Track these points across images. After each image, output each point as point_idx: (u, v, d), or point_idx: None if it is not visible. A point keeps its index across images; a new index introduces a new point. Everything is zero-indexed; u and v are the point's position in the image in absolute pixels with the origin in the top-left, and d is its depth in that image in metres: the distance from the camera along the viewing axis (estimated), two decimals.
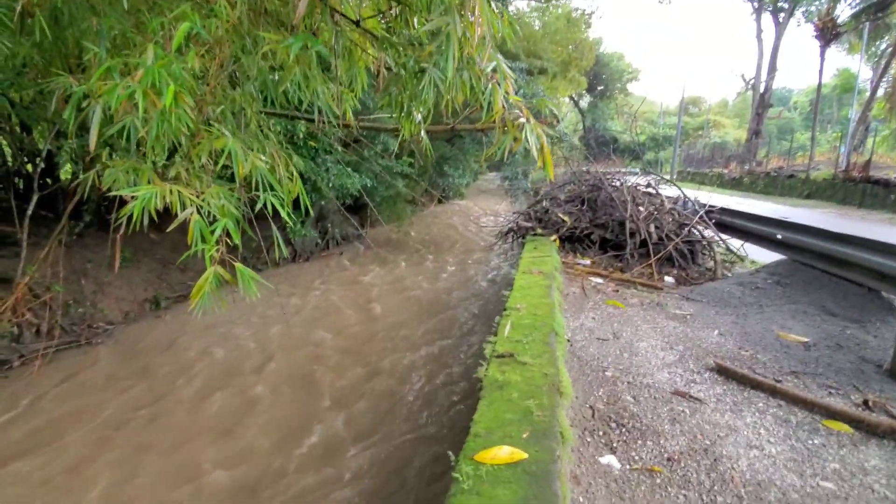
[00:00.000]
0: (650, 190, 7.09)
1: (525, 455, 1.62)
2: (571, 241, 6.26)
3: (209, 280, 2.26)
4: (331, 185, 9.28)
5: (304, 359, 5.38)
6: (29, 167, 6.62)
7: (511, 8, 19.72)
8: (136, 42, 2.72)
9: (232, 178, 2.50)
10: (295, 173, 2.87)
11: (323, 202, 10.27)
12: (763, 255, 6.30)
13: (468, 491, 1.46)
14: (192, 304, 2.18)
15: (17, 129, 6.27)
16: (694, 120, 50.60)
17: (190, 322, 6.57)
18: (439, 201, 20.28)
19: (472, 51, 2.48)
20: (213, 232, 2.23)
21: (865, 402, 2.83)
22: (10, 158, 6.20)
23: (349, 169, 9.81)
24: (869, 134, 21.38)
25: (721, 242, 6.39)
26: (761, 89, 26.31)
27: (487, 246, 11.12)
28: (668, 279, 5.44)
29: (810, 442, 2.42)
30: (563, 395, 2.05)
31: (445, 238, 13.05)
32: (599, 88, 42.27)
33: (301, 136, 8.41)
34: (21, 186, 6.81)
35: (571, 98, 39.94)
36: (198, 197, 2.32)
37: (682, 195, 7.11)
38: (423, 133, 3.02)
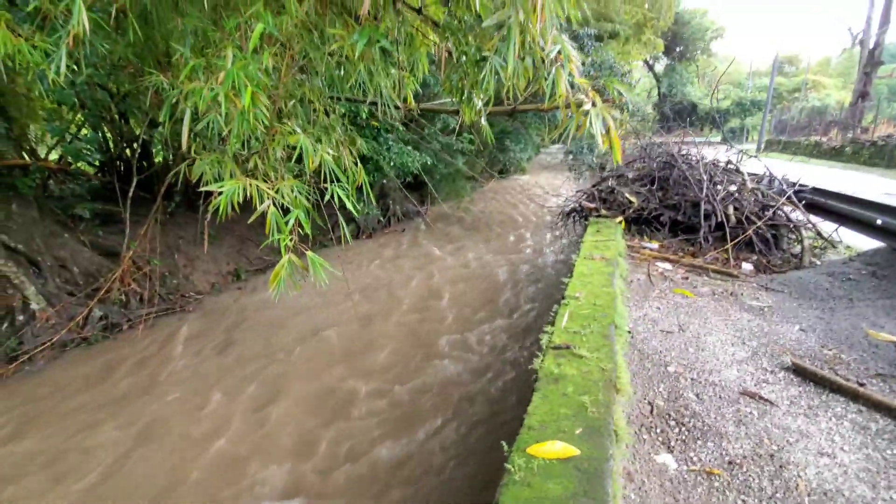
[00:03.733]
0: (731, 167, 6.52)
1: (577, 451, 1.65)
2: (638, 224, 5.96)
3: (284, 267, 2.46)
4: (392, 163, 9.48)
5: (361, 330, 5.72)
6: (128, 153, 7.38)
7: None
8: (216, 40, 2.91)
9: (303, 168, 2.67)
10: (358, 161, 2.98)
11: (384, 180, 10.52)
12: (861, 242, 5.64)
13: (520, 483, 1.52)
14: (270, 288, 2.39)
15: (117, 118, 6.99)
16: (789, 81, 45.05)
17: (266, 291, 7.14)
18: (500, 175, 20.02)
19: (535, 35, 2.41)
20: (287, 223, 2.41)
21: None
22: (112, 145, 6.94)
23: (409, 147, 9.95)
24: None
25: (811, 226, 5.78)
26: (871, 45, 22.82)
27: (548, 225, 10.89)
28: (746, 266, 5.05)
29: (889, 452, 2.22)
30: (620, 392, 2.04)
31: (504, 216, 12.92)
32: (678, 50, 38.59)
33: (364, 117, 8.62)
34: (122, 170, 7.62)
35: (645, 62, 36.97)
36: (273, 189, 2.50)
37: (767, 172, 6.47)
38: (482, 119, 3.00)
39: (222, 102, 2.22)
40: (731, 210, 5.53)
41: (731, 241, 5.28)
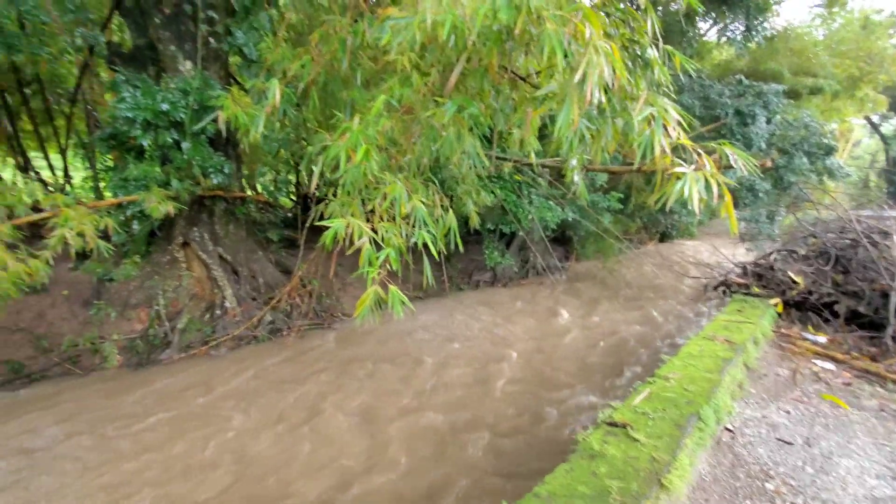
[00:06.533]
0: None
1: None
2: (802, 309, 4.86)
3: (370, 297, 2.82)
4: (530, 216, 9.65)
5: (469, 372, 5.85)
6: (315, 192, 9.17)
7: (778, 21, 16.65)
8: (365, 108, 3.60)
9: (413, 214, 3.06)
10: (450, 210, 3.25)
11: (522, 233, 10.72)
12: None
13: None
14: (356, 314, 2.77)
15: (306, 164, 8.80)
16: None
17: (402, 321, 7.86)
18: (661, 239, 18.45)
19: (621, 95, 2.41)
20: (378, 258, 2.79)
21: None
22: (301, 186, 8.73)
23: (551, 202, 10.02)
24: None
25: None
26: None
27: (694, 298, 9.56)
28: None
29: None
30: (667, 490, 1.74)
31: (654, 281, 11.77)
32: None
33: (507, 171, 9.08)
34: (305, 205, 9.44)
35: (868, 120, 30.36)
36: (372, 230, 2.93)
37: None
38: (576, 176, 3.01)
39: (342, 158, 2.76)
40: None
41: None
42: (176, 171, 5.88)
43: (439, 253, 3.23)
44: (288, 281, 8.03)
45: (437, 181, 3.55)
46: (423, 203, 2.87)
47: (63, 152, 8.90)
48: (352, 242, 2.98)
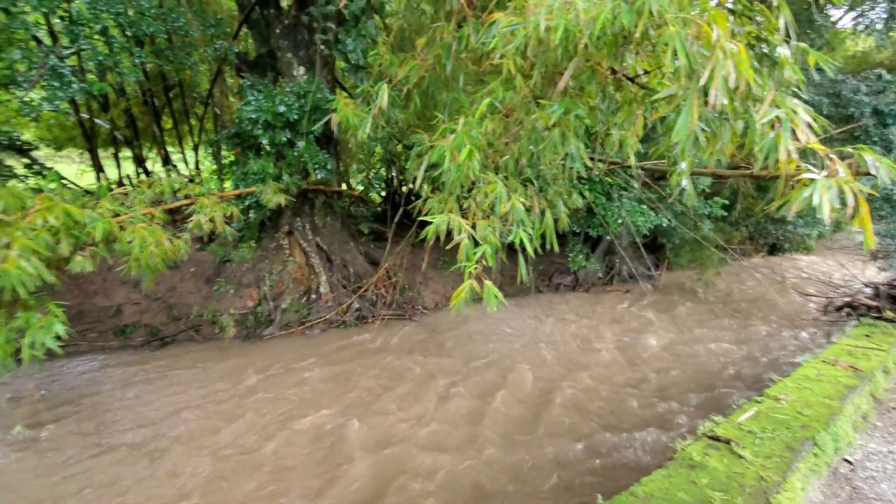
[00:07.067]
0: None
1: None
2: None
3: (465, 290, 2.96)
4: (620, 220, 9.27)
5: (539, 377, 5.80)
6: (403, 189, 9.61)
7: None
8: (465, 109, 3.76)
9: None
10: (547, 210, 3.28)
11: (610, 237, 10.33)
12: None
13: None
14: (451, 304, 2.93)
15: (400, 163, 9.23)
16: None
17: (476, 320, 8.00)
18: (770, 252, 16.73)
19: (744, 97, 2.30)
20: (475, 254, 2.92)
21: None
22: (394, 182, 9.20)
23: (644, 206, 9.54)
24: None
25: None
26: None
27: (809, 318, 8.51)
28: None
29: None
30: None
31: (758, 298, 10.70)
32: None
33: (598, 172, 8.81)
34: (395, 201, 9.92)
35: None
36: (471, 226, 3.06)
37: None
38: (684, 181, 2.90)
39: (446, 157, 2.92)
40: None
41: None
42: (287, 166, 6.52)
43: (522, 252, 3.29)
44: (375, 272, 8.52)
45: (534, 182, 3.61)
46: (521, 203, 2.94)
47: (195, 148, 10.25)
48: (448, 238, 3.14)
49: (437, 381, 5.55)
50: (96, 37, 5.17)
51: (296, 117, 6.15)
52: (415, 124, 6.14)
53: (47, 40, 6.92)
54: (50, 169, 7.10)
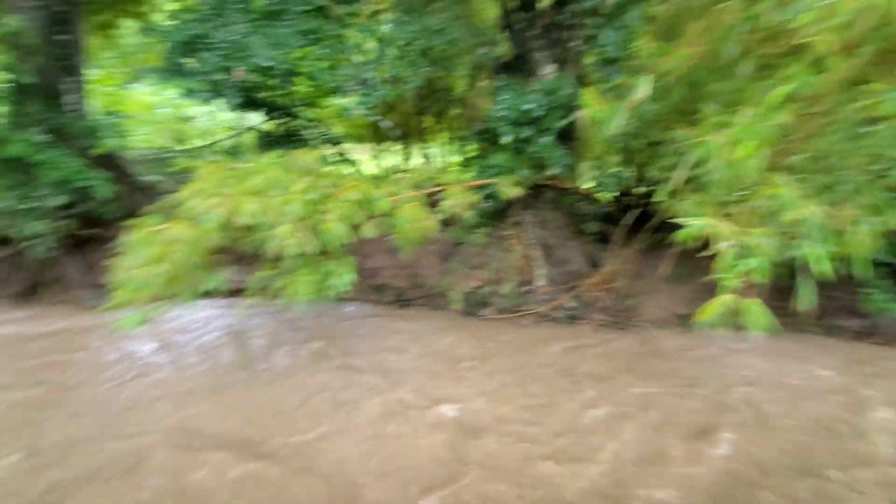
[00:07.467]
0: None
1: None
2: None
3: (722, 304, 2.60)
4: None
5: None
6: (637, 190, 8.93)
7: None
8: (744, 100, 3.26)
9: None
10: (858, 228, 2.58)
11: None
12: None
13: None
14: (698, 317, 2.62)
15: (641, 161, 8.57)
16: None
17: (706, 348, 6.91)
18: None
19: None
20: (738, 266, 2.52)
21: None
22: (628, 182, 8.63)
23: None
24: None
25: None
26: None
27: None
28: None
29: None
30: None
31: None
32: None
33: None
34: (626, 202, 9.30)
35: None
36: (741, 233, 2.65)
37: None
38: None
39: (717, 154, 2.60)
40: None
41: None
42: (526, 160, 6.88)
43: (804, 274, 2.64)
44: (594, 273, 8.25)
45: (832, 189, 2.88)
46: (818, 212, 2.39)
47: (447, 143, 11.83)
48: (705, 245, 2.80)
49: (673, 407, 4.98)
50: (395, 52, 6.47)
51: (542, 114, 6.41)
52: (666, 119, 5.63)
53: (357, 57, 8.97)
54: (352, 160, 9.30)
